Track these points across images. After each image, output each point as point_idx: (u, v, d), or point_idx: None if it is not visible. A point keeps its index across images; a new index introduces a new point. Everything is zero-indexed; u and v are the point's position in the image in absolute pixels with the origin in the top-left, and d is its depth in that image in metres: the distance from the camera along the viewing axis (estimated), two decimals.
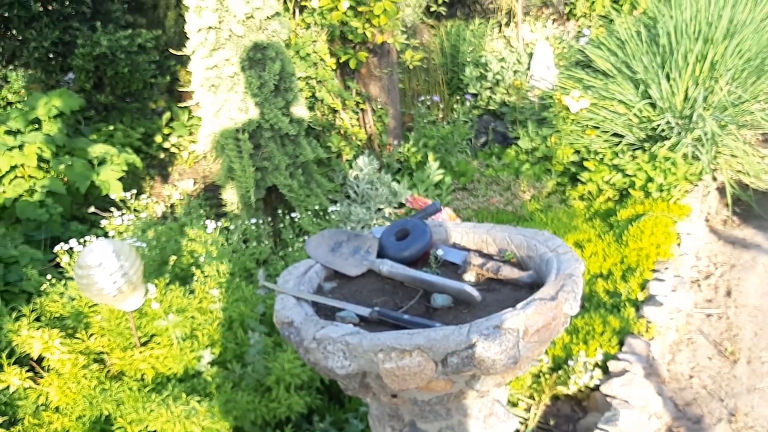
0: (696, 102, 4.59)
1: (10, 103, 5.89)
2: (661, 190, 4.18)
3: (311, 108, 4.49)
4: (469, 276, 1.71)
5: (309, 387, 2.52)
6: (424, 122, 5.55)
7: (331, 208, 3.77)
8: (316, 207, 3.81)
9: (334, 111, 4.63)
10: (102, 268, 2.26)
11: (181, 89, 6.37)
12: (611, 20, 6.00)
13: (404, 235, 1.83)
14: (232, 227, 3.52)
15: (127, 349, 2.56)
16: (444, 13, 5.75)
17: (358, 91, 4.84)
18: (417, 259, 1.79)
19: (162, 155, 6.11)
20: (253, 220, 3.54)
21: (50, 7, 5.93)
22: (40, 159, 4.46)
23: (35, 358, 2.49)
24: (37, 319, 2.72)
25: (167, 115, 6.22)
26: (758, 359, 3.16)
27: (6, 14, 5.83)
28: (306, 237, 3.50)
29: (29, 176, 4.41)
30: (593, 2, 7.55)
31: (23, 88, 5.94)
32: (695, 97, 4.61)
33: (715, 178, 4.65)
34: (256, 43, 3.48)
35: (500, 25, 7.55)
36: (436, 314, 1.55)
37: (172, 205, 5.01)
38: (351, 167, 4.43)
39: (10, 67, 6.20)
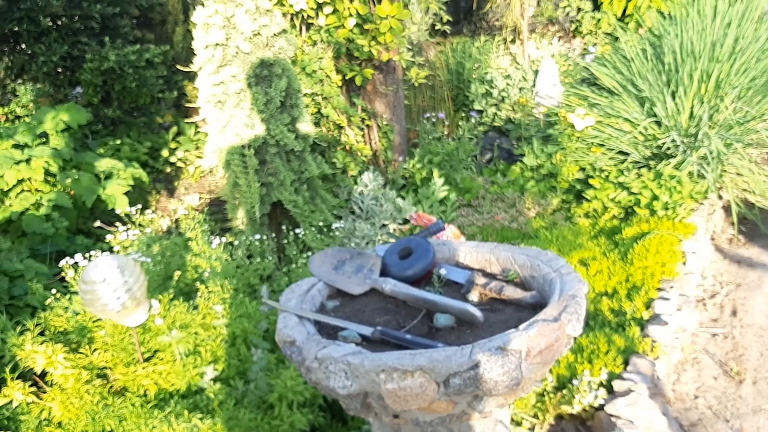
0: (701, 120, 4.59)
1: (18, 117, 5.93)
2: (667, 209, 4.17)
3: (317, 124, 4.50)
4: (473, 296, 1.70)
5: (312, 404, 2.51)
6: (429, 138, 5.56)
7: (335, 224, 3.78)
8: (321, 223, 3.81)
9: (340, 127, 4.64)
10: (106, 283, 2.27)
11: (188, 104, 6.41)
12: (617, 38, 6.02)
13: (407, 254, 1.83)
14: (236, 242, 3.53)
15: (130, 365, 2.57)
16: (449, 31, 5.78)
17: (364, 107, 4.86)
18: (420, 278, 1.79)
19: (168, 169, 6.14)
20: (258, 236, 3.54)
21: (59, 22, 5.99)
22: (47, 173, 4.48)
23: (39, 372, 2.50)
24: (41, 334, 2.73)
25: (174, 129, 6.26)
26: (764, 380, 3.14)
27: (15, 28, 5.89)
28: (310, 253, 3.50)
29: (36, 190, 4.43)
30: (599, 20, 7.59)
31: (31, 102, 5.98)
32: (700, 116, 4.61)
33: (720, 197, 4.64)
34: (263, 59, 3.50)
35: (506, 42, 7.59)
36: (438, 334, 1.55)
37: (177, 220, 5.02)
38: (356, 183, 4.44)
39: (19, 81, 6.25)
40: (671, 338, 3.23)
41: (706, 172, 4.41)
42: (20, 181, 4.39)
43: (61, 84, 6.13)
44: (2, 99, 6.25)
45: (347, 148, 4.67)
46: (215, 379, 2.51)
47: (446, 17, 5.17)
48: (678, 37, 5.17)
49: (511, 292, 1.65)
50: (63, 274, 3.06)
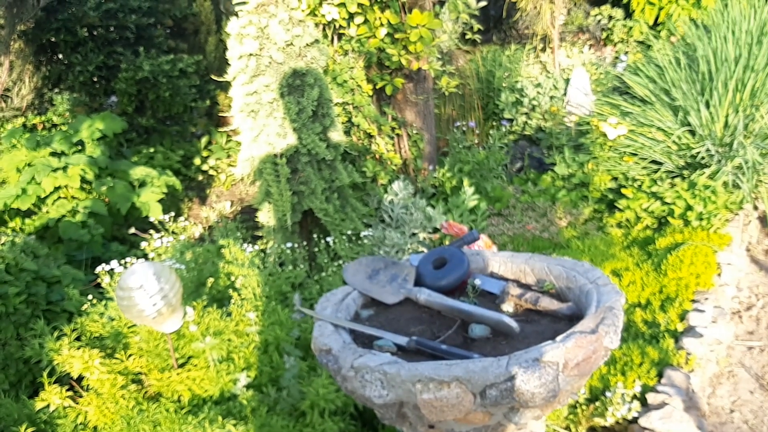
0: (736, 130, 4.52)
1: (54, 125, 6.05)
2: (701, 219, 4.11)
3: (347, 133, 4.53)
4: (507, 306, 1.70)
5: (343, 413, 2.52)
6: (459, 147, 5.56)
7: (365, 233, 3.79)
8: (351, 231, 3.83)
9: (370, 136, 4.66)
10: (143, 290, 2.31)
11: (220, 113, 6.49)
12: (649, 46, 5.97)
13: (441, 264, 1.83)
14: (268, 250, 3.56)
15: (164, 371, 2.60)
16: (479, 39, 5.78)
17: (394, 116, 4.87)
18: (454, 288, 1.79)
19: (200, 177, 6.21)
20: (289, 244, 3.57)
21: (95, 33, 6.11)
22: (83, 180, 4.56)
23: (75, 377, 2.54)
24: (78, 339, 2.77)
25: (206, 138, 6.34)
26: None
27: (53, 39, 6.02)
28: (341, 261, 3.51)
29: (72, 197, 4.52)
30: (630, 28, 7.52)
31: (68, 110, 6.10)
32: (735, 125, 4.55)
33: (756, 207, 4.57)
34: (296, 69, 3.54)
35: (536, 51, 7.56)
36: (473, 345, 1.55)
37: (209, 227, 5.08)
38: (386, 192, 4.45)
39: (56, 90, 6.38)
40: (706, 351, 3.18)
41: (741, 182, 4.34)
42: (57, 189, 4.48)
43: (96, 93, 6.25)
44: (40, 108, 6.38)
45: (377, 156, 4.68)
46: (248, 386, 2.52)
47: (477, 26, 5.17)
48: (711, 45, 5.11)
49: (547, 303, 1.65)
50: (99, 280, 3.11)
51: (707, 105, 4.73)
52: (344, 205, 3.92)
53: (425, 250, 4.04)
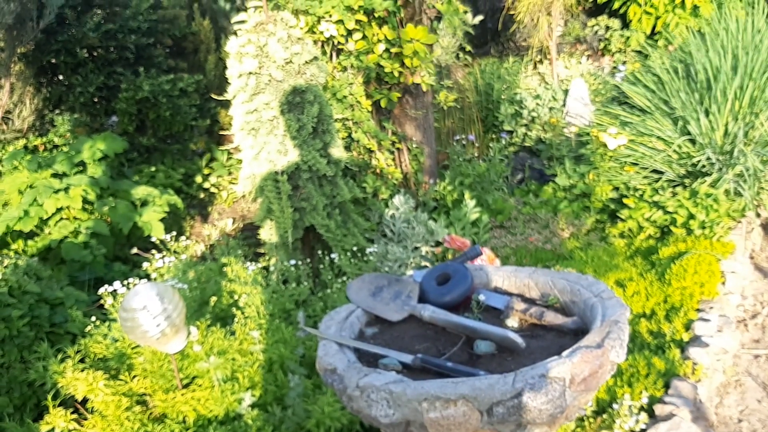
0: (736, 137, 4.53)
1: (56, 146, 6.07)
2: (704, 227, 4.11)
3: (348, 148, 4.54)
4: (512, 321, 1.69)
5: (349, 431, 2.51)
6: (459, 160, 5.57)
7: (369, 249, 3.78)
8: (354, 247, 3.82)
9: (370, 151, 4.67)
10: (146, 311, 2.30)
11: (221, 131, 6.51)
12: (647, 55, 5.99)
13: (445, 280, 1.83)
14: (270, 267, 3.55)
15: (169, 391, 2.59)
16: (477, 53, 5.81)
17: (394, 131, 4.89)
18: (458, 303, 1.78)
19: (202, 195, 6.22)
20: (293, 261, 3.56)
21: (95, 53, 6.14)
22: (85, 201, 4.57)
23: (80, 399, 2.53)
24: (82, 361, 2.76)
25: (207, 156, 6.35)
26: None
27: (53, 60, 6.05)
28: (345, 278, 3.51)
29: (74, 218, 4.52)
30: (628, 38, 7.55)
31: (69, 131, 6.12)
32: (735, 133, 4.55)
33: (758, 215, 4.56)
34: (295, 87, 3.55)
35: (534, 62, 7.58)
36: (479, 361, 1.54)
37: (211, 245, 5.08)
38: (387, 206, 4.45)
39: (57, 111, 6.40)
40: (713, 360, 3.16)
41: (743, 190, 4.34)
42: (59, 210, 4.48)
43: (97, 113, 6.27)
44: (41, 129, 6.40)
45: (378, 171, 4.69)
46: (253, 405, 2.51)
47: (468, 47, 5.22)
48: (709, 54, 5.12)
49: (552, 318, 1.64)
50: (102, 301, 3.11)
51: (706, 113, 4.73)
52: (346, 220, 3.92)
53: (428, 265, 4.04)
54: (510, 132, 6.39)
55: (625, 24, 7.66)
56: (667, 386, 2.91)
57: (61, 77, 6.33)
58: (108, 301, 3.03)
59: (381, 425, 1.44)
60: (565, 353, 1.37)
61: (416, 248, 4.23)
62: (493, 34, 8.59)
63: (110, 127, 6.39)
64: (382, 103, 4.68)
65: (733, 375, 3.33)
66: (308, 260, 3.73)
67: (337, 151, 3.78)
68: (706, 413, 2.91)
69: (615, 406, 2.74)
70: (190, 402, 2.51)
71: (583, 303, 1.64)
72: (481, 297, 1.73)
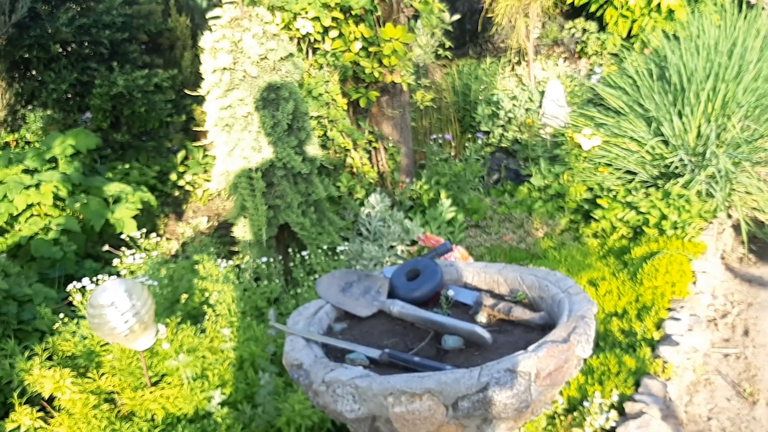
0: (709, 139, 4.58)
1: (28, 143, 5.98)
2: (676, 228, 4.15)
3: (324, 147, 4.52)
4: (481, 317, 1.69)
5: (320, 429, 2.49)
6: (436, 160, 5.57)
7: (342, 247, 3.77)
8: (328, 245, 3.81)
9: (347, 150, 4.66)
10: (114, 307, 2.27)
11: (196, 128, 6.46)
12: (623, 58, 6.04)
13: (415, 275, 1.82)
14: (243, 265, 3.53)
15: (137, 389, 2.55)
16: (454, 54, 5.82)
17: (371, 130, 4.88)
18: (428, 299, 1.78)
19: (177, 193, 6.16)
20: (264, 259, 3.54)
21: (69, 49, 6.06)
22: (56, 197, 4.51)
23: (46, 397, 2.49)
24: (49, 358, 2.72)
25: (182, 153, 6.29)
26: None
27: (26, 55, 5.96)
28: (317, 276, 3.49)
29: (45, 215, 4.45)
30: (604, 41, 7.61)
31: (41, 128, 6.04)
32: (708, 135, 4.61)
33: (730, 216, 4.62)
34: (270, 83, 3.53)
35: (512, 64, 7.62)
36: (447, 356, 1.54)
37: (183, 243, 5.03)
38: (362, 205, 4.44)
39: (29, 107, 6.31)
40: (683, 359, 3.19)
41: (714, 191, 4.39)
42: (29, 206, 4.41)
43: (70, 110, 6.18)
44: (13, 125, 6.30)
45: (353, 170, 4.68)
46: (223, 403, 2.49)
47: (448, 44, 5.22)
48: (683, 56, 5.18)
49: (520, 313, 1.64)
50: (70, 298, 3.07)
51: (680, 115, 4.78)
52: (321, 218, 3.91)
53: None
54: (487, 132, 6.41)
55: (602, 27, 7.72)
56: (637, 384, 2.93)
57: (33, 73, 6.23)
58: (76, 298, 2.99)
59: (347, 420, 1.43)
60: (531, 348, 1.37)
61: (392, 247, 4.22)
62: (472, 35, 8.61)
63: (84, 123, 6.31)
64: (361, 103, 4.67)
65: (703, 373, 3.36)
66: (281, 258, 3.71)
67: (313, 149, 3.76)
68: (675, 411, 2.94)
69: (586, 403, 2.75)
70: (158, 400, 2.48)
71: (550, 298, 1.65)
72: (450, 292, 1.73)
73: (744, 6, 6.06)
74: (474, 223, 4.83)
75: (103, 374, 2.59)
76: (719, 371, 3.38)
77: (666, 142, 4.78)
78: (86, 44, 6.06)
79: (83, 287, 2.99)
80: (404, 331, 1.68)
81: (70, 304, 3.34)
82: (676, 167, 4.62)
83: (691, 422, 3.02)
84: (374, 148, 4.94)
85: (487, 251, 4.38)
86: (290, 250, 3.75)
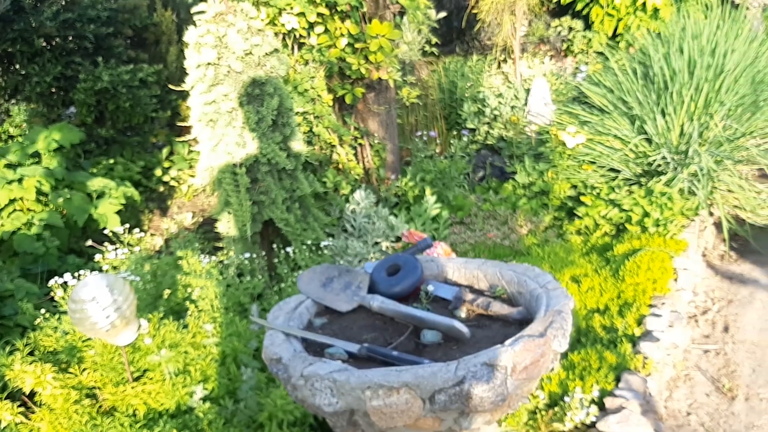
0: (691, 137, 4.62)
1: (11, 137, 5.94)
2: (658, 225, 4.18)
3: (309, 142, 4.52)
4: (460, 312, 1.71)
5: (302, 424, 2.50)
6: (421, 157, 5.58)
7: (326, 243, 3.78)
8: (312, 241, 3.81)
9: (332, 146, 4.66)
10: (95, 302, 2.27)
11: (181, 123, 6.43)
12: (608, 57, 6.08)
13: (395, 271, 1.83)
14: (227, 261, 3.52)
15: (119, 384, 2.55)
16: (441, 51, 5.84)
17: (356, 126, 4.88)
18: (408, 294, 1.79)
19: (161, 188, 6.13)
20: (247, 254, 3.54)
21: (53, 43, 6.01)
22: (39, 192, 4.48)
23: (27, 392, 2.48)
24: (31, 354, 2.72)
25: (167, 148, 6.26)
26: (756, 396, 3.13)
27: (9, 49, 5.91)
28: (301, 271, 3.49)
29: (28, 209, 4.43)
30: (590, 39, 7.65)
31: (25, 122, 5.99)
32: (690, 133, 4.65)
33: (711, 213, 4.66)
34: (255, 79, 3.52)
35: (498, 62, 7.63)
36: (425, 351, 1.55)
37: (167, 239, 5.02)
38: (348, 201, 4.45)
39: (12, 101, 6.26)
40: (663, 355, 3.23)
41: (696, 189, 4.43)
42: (12, 201, 4.38)
43: (54, 104, 6.14)
44: None
45: (339, 166, 4.68)
46: (205, 399, 2.49)
47: (435, 40, 5.22)
48: (667, 55, 5.22)
49: (498, 308, 1.66)
50: (52, 293, 3.06)
51: (663, 114, 4.82)
52: (306, 214, 3.91)
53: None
54: (472, 130, 6.43)
55: (588, 25, 7.75)
56: (618, 380, 2.96)
57: (17, 66, 6.18)
58: (58, 293, 2.98)
59: (325, 414, 1.44)
60: (507, 342, 1.39)
61: (376, 243, 4.23)
62: (458, 32, 8.62)
63: (68, 118, 6.27)
64: (347, 99, 4.67)
65: (682, 369, 3.40)
66: (265, 254, 3.70)
67: (298, 145, 3.76)
68: (655, 406, 2.97)
69: (567, 399, 2.78)
70: (140, 395, 2.48)
71: (528, 294, 1.66)
72: (430, 288, 1.74)
73: (728, 5, 6.11)
74: (459, 220, 4.85)
75: (84, 369, 2.59)
76: (699, 367, 3.41)
77: (649, 141, 4.81)
78: (71, 38, 6.02)
79: (65, 282, 2.98)
80: (384, 326, 1.69)
81: (53, 299, 3.33)
82: (659, 165, 4.65)
83: (671, 417, 3.06)
84: (360, 144, 4.95)
85: (472, 248, 4.40)
86: (274, 246, 3.75)
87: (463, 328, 1.52)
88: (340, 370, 1.38)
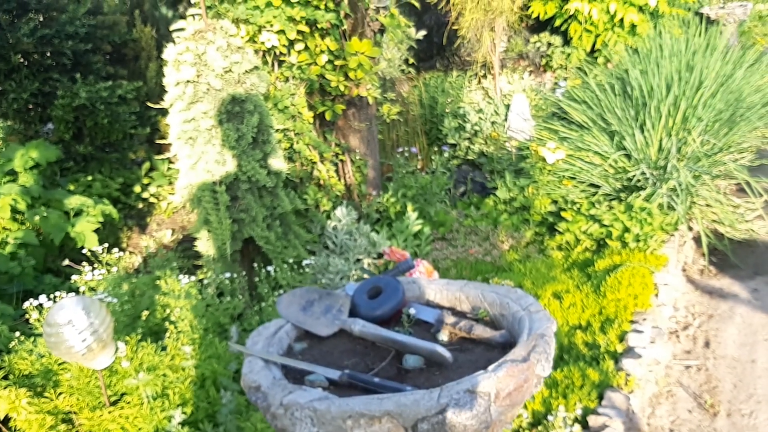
0: (670, 153, 4.66)
1: None
2: (638, 240, 4.20)
3: (290, 159, 4.50)
4: (443, 335, 1.68)
5: None
6: (403, 172, 5.58)
7: (308, 261, 3.75)
8: (293, 259, 3.78)
9: (313, 162, 4.64)
10: (71, 325, 2.23)
11: (160, 140, 6.38)
12: (586, 72, 6.13)
13: (377, 293, 1.81)
14: (206, 280, 3.48)
15: (96, 409, 2.50)
16: (421, 67, 5.85)
17: (338, 142, 4.87)
18: (390, 317, 1.76)
19: (140, 205, 6.07)
20: (227, 274, 3.50)
21: (30, 59, 5.94)
22: (15, 210, 4.41)
23: (1, 418, 2.42)
24: (5, 377, 2.66)
25: (146, 165, 6.21)
26: (738, 412, 3.14)
27: None
28: (282, 291, 3.46)
29: (3, 228, 4.35)
30: (569, 55, 7.72)
31: (1, 139, 5.91)
32: (669, 148, 4.69)
33: (690, 228, 4.70)
34: (234, 96, 3.50)
35: (478, 77, 7.68)
36: (408, 376, 1.52)
37: (145, 258, 4.96)
38: (329, 218, 4.42)
39: None
40: (645, 371, 3.23)
41: (675, 204, 4.47)
42: None
43: (31, 120, 6.06)
44: None
45: (320, 183, 4.66)
46: (183, 423, 2.45)
47: (411, 60, 5.25)
48: (644, 71, 5.27)
49: (481, 332, 1.64)
50: (27, 315, 3.00)
51: (642, 129, 4.86)
52: (287, 232, 3.88)
53: (367, 277, 4.02)
54: (453, 145, 6.45)
55: (567, 41, 7.83)
56: (601, 397, 2.96)
57: None
58: (33, 316, 2.92)
59: None
60: (490, 368, 1.37)
61: (358, 260, 4.21)
62: (439, 48, 8.67)
63: (46, 134, 6.19)
64: (327, 116, 4.66)
65: (665, 385, 3.40)
66: (245, 273, 3.67)
67: (278, 162, 3.74)
68: (638, 424, 2.96)
69: (550, 417, 2.77)
70: (117, 420, 2.43)
71: (511, 316, 1.65)
72: (412, 311, 1.71)
73: (704, 22, 6.20)
74: (440, 236, 4.84)
75: (60, 394, 2.53)
76: (681, 383, 3.42)
77: (628, 156, 4.85)
78: (48, 55, 5.95)
79: (40, 305, 2.93)
80: (365, 350, 1.66)
81: (28, 321, 3.26)
82: (639, 180, 4.69)
83: None
84: (341, 160, 4.93)
85: (453, 264, 4.40)
86: (255, 264, 3.71)
87: (446, 353, 1.50)
88: (321, 399, 1.35)
